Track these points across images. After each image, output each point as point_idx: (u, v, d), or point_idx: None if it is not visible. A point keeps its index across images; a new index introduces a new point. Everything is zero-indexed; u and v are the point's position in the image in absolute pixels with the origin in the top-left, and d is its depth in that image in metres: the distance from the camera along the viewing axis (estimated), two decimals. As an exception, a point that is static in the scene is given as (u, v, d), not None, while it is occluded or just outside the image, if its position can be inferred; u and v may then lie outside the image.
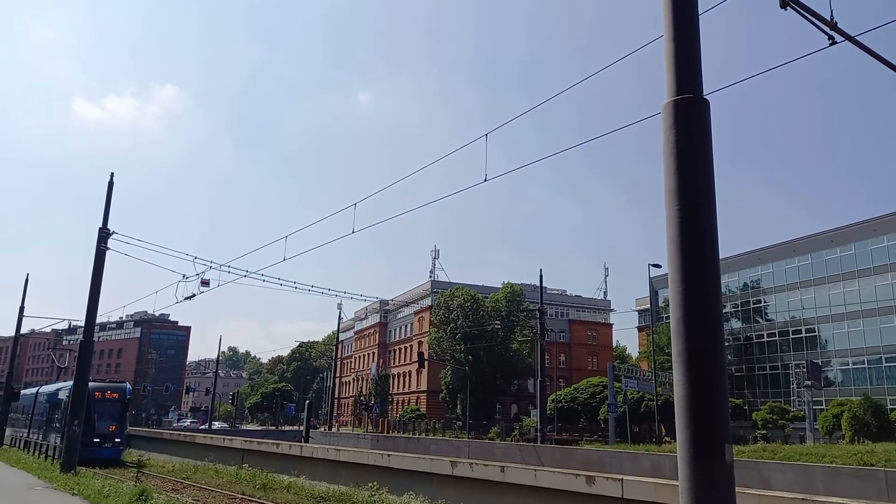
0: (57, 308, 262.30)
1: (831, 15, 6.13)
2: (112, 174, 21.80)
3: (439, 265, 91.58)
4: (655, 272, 45.86)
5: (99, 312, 21.54)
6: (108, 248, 21.24)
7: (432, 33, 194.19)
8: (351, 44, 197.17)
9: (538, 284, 44.44)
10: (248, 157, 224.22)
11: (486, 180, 12.85)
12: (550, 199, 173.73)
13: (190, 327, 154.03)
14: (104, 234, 21.19)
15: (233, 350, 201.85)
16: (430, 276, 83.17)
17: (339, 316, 66.43)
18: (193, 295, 21.43)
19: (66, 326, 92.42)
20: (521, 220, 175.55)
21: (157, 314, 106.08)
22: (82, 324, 21.82)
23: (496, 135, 11.50)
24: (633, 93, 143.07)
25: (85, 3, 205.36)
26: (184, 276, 21.48)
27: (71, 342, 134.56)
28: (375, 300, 76.63)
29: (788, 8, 5.91)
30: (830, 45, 6.25)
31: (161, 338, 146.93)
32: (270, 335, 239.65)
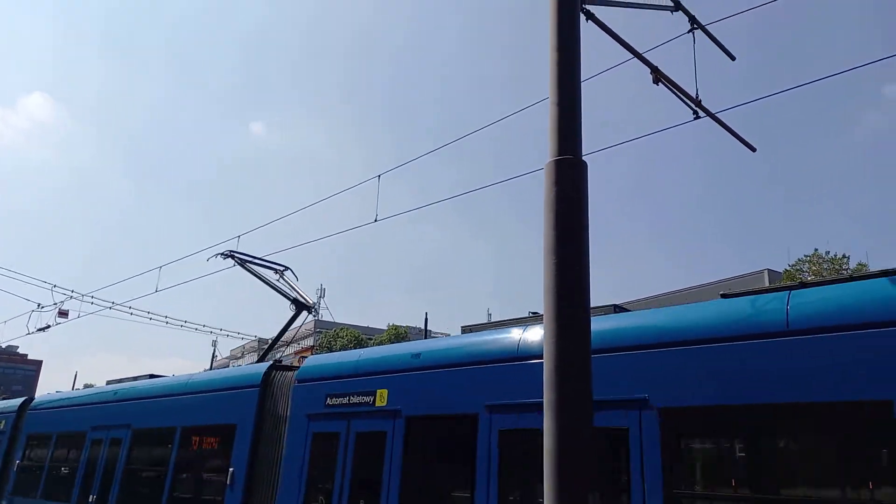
0: None
1: (696, 92, 6.80)
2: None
3: (325, 304, 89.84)
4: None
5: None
6: (-50, 271, 19.09)
7: (346, 73, 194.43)
8: (261, 76, 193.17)
9: (423, 327, 44.56)
10: (138, 185, 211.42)
11: (375, 220, 12.93)
12: (445, 241, 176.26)
13: (41, 361, 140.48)
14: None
15: (90, 387, 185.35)
16: (315, 315, 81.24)
17: (214, 354, 63.14)
18: (48, 326, 19.65)
19: None
20: (413, 261, 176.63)
21: (3, 346, 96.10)
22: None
23: (401, 172, 11.61)
24: (531, 142, 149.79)
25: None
26: (38, 305, 19.70)
27: None
28: (254, 338, 73.51)
29: (660, 83, 6.49)
30: (695, 118, 6.91)
31: (6, 371, 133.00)
32: (140, 371, 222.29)
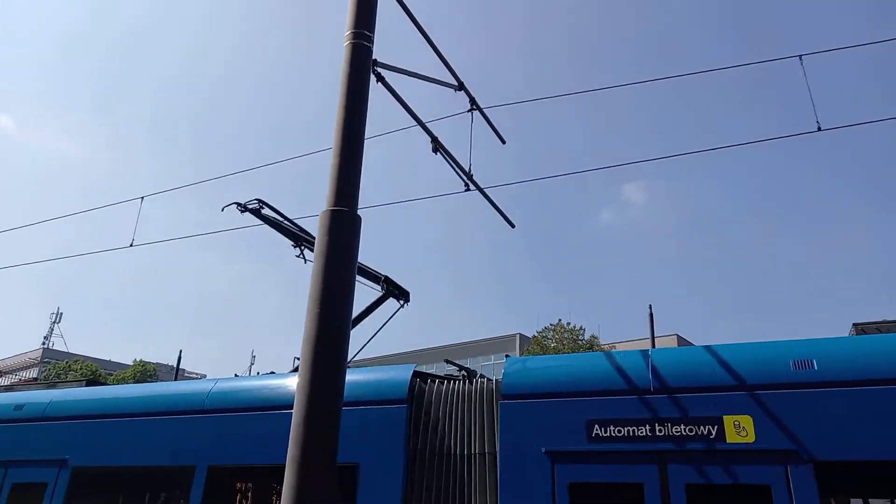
0: None
1: (469, 167, 7.38)
2: None
3: (59, 331, 78.82)
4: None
5: None
6: None
7: (107, 80, 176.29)
8: (12, 67, 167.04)
9: (175, 365, 41.06)
10: None
11: (132, 245, 11.86)
12: (208, 274, 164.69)
13: None
14: None
15: None
16: (45, 343, 70.79)
17: None
18: None
19: None
20: (177, 294, 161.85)
21: None
22: None
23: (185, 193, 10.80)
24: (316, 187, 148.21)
25: None
26: None
27: None
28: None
29: (438, 153, 6.94)
30: (466, 190, 7.48)
31: None
32: None
